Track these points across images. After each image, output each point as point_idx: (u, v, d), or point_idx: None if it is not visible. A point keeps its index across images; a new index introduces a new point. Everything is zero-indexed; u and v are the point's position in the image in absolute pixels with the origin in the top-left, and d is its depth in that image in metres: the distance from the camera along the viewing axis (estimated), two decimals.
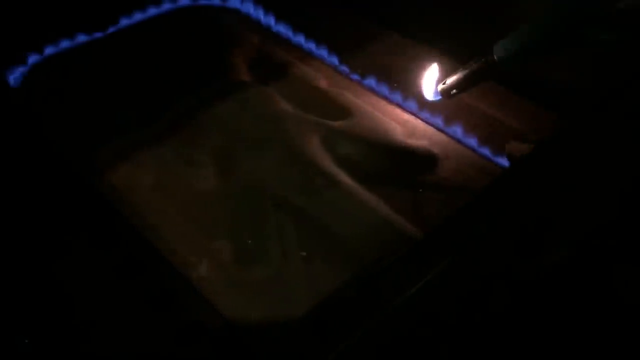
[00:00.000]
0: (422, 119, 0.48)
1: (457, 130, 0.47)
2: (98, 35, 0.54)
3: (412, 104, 0.49)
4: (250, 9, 0.58)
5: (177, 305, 0.37)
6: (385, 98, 0.50)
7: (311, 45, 0.55)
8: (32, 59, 0.51)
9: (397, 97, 0.50)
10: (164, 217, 0.41)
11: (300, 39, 0.55)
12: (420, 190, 0.43)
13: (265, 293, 0.38)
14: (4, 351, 0.36)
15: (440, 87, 0.42)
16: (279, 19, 0.57)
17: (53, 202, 0.41)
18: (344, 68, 0.53)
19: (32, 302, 0.38)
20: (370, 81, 0.51)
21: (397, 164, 0.45)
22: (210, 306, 0.37)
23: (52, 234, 0.39)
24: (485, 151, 0.46)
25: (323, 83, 0.51)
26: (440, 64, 0.44)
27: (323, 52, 0.54)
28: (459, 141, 0.47)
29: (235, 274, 0.39)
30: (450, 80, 0.41)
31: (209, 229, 0.41)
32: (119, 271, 0.38)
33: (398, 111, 0.49)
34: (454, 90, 0.41)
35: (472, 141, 0.47)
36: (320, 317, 0.30)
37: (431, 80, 0.43)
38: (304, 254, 0.39)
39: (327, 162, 0.44)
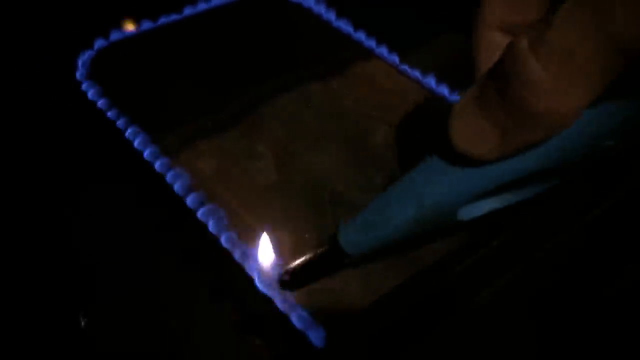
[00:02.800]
0: None
1: None
2: (162, 22, 0.55)
3: None
4: (311, 3, 0.59)
5: (234, 295, 0.38)
6: (445, 98, 0.50)
7: (372, 43, 0.55)
8: (99, 43, 0.52)
9: (457, 98, 0.50)
10: (224, 206, 0.41)
11: (360, 36, 0.55)
12: None
13: (320, 289, 0.38)
14: (66, 329, 0.37)
15: (282, 279, 0.36)
16: (340, 15, 0.57)
17: (118, 188, 0.42)
18: (404, 67, 0.53)
19: (91, 282, 0.39)
20: (430, 80, 0.51)
21: None
22: (266, 298, 0.37)
23: (118, 217, 0.40)
24: None
25: (383, 81, 0.51)
26: None
27: (383, 50, 0.54)
28: None
29: None
30: (292, 266, 0.35)
31: (267, 221, 0.41)
32: (179, 258, 0.39)
33: None
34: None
35: None
36: (383, 316, 0.30)
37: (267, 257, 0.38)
38: None
39: (388, 161, 0.44)
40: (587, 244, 0.36)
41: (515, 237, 0.33)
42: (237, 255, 0.38)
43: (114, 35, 0.53)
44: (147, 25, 0.55)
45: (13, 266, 0.39)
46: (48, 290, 0.38)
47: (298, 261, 0.35)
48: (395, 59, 0.53)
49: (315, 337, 0.34)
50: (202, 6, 0.57)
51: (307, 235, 0.40)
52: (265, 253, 0.38)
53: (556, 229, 0.33)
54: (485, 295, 0.29)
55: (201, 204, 0.41)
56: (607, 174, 0.38)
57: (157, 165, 0.43)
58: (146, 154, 0.44)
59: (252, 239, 0.40)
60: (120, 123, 0.46)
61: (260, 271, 0.37)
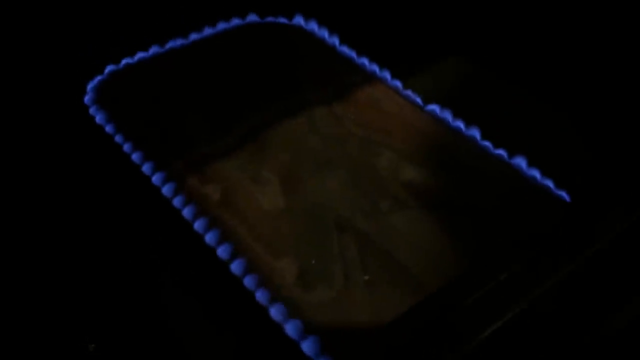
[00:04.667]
0: (484, 147, 0.49)
1: (521, 161, 0.47)
2: (170, 47, 0.56)
3: (475, 131, 0.49)
4: (314, 28, 0.59)
5: (241, 322, 0.38)
6: (448, 124, 0.51)
7: (375, 68, 0.55)
8: (110, 69, 0.53)
9: (460, 124, 0.50)
10: (230, 232, 0.42)
11: (364, 61, 0.56)
12: (485, 219, 0.43)
13: (327, 314, 0.38)
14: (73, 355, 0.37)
15: None
16: (343, 40, 0.58)
17: (124, 213, 0.43)
18: (408, 92, 0.53)
19: (98, 307, 0.39)
20: (433, 106, 0.52)
21: (462, 190, 0.45)
22: (273, 325, 0.37)
23: (124, 242, 0.41)
24: (549, 183, 0.46)
25: (387, 106, 0.51)
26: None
27: (386, 75, 0.55)
28: (522, 172, 0.47)
29: (298, 293, 0.39)
30: None
31: (273, 247, 0.41)
32: (184, 285, 0.39)
33: (461, 137, 0.49)
34: None
35: (536, 173, 0.47)
36: (391, 346, 0.31)
37: None
38: (367, 277, 0.40)
39: (393, 186, 0.45)
40: (591, 278, 0.36)
41: (522, 271, 0.33)
42: (247, 282, 0.39)
43: (123, 61, 0.54)
44: (154, 50, 0.55)
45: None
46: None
47: None
48: (398, 84, 0.54)
49: None
50: (207, 31, 0.58)
51: (313, 261, 0.41)
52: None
53: (562, 262, 0.34)
54: (492, 328, 0.30)
55: (208, 229, 0.41)
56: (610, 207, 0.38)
57: (164, 190, 0.44)
58: (153, 179, 0.44)
59: (259, 264, 0.40)
60: (126, 148, 0.47)
61: (270, 298, 0.37)
